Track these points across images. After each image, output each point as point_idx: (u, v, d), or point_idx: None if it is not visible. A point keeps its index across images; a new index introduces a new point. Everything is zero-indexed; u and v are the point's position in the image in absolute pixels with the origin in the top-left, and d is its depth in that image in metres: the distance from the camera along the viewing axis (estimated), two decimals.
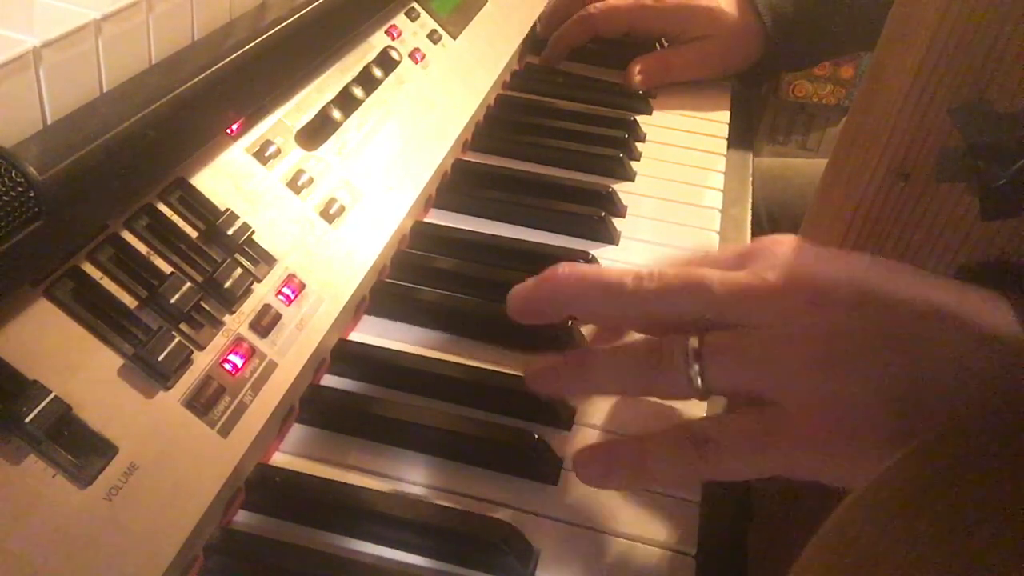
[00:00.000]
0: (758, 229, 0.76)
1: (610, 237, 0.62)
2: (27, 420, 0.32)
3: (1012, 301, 0.36)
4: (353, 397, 0.47)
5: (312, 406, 0.45)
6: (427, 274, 0.56)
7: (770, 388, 0.37)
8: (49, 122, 0.36)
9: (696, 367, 0.38)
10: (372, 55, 0.61)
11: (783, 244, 0.41)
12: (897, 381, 0.35)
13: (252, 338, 0.42)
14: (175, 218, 0.42)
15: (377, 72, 0.60)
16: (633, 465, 0.39)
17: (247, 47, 0.45)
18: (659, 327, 0.41)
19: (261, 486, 0.41)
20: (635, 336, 0.45)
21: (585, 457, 0.41)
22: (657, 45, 0.87)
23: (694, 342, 0.38)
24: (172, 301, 0.39)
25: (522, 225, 0.62)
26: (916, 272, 0.39)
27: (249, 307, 0.43)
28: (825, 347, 0.37)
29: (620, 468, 0.40)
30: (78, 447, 0.33)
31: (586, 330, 0.52)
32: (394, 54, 0.63)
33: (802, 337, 0.37)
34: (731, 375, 0.38)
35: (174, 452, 0.37)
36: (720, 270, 0.40)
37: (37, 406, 0.32)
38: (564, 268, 0.43)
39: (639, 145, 0.75)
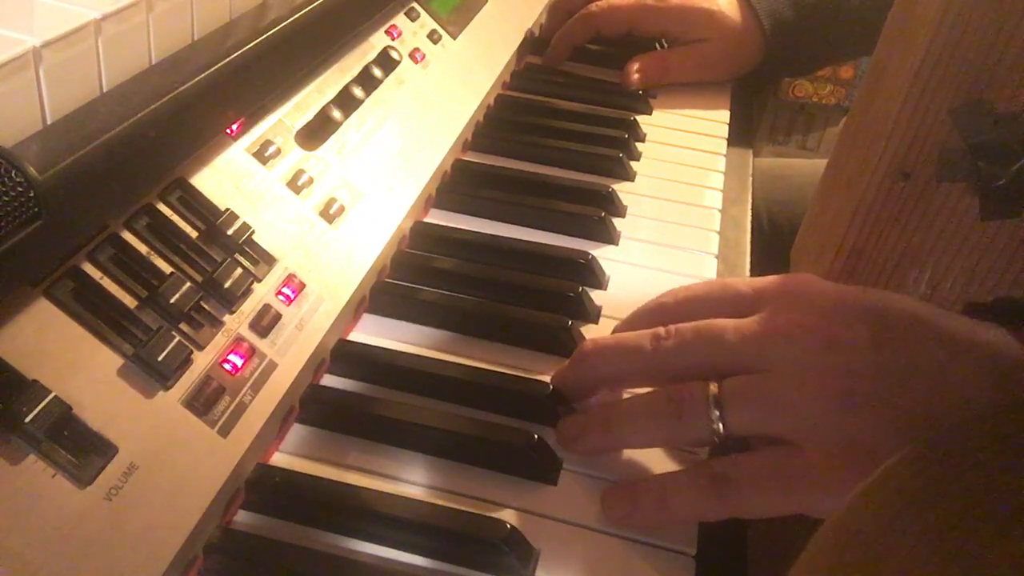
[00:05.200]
0: (758, 229, 0.76)
1: (610, 237, 0.62)
2: (27, 420, 0.32)
3: (1018, 336, 0.37)
4: (353, 397, 0.47)
5: (312, 406, 0.45)
6: (427, 274, 0.56)
7: (788, 430, 0.38)
8: (49, 122, 0.35)
9: (717, 412, 0.39)
10: (372, 55, 0.61)
11: (797, 284, 0.41)
12: (910, 411, 0.36)
13: (252, 338, 0.42)
14: (175, 218, 0.42)
15: (377, 72, 0.60)
16: (656, 505, 0.40)
17: (247, 47, 0.45)
18: (680, 380, 0.42)
19: (261, 486, 0.41)
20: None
21: (610, 498, 0.42)
22: (657, 46, 0.87)
23: (714, 388, 0.39)
24: (172, 301, 0.39)
25: (522, 225, 0.62)
26: (927, 306, 0.39)
27: (249, 307, 0.43)
28: (840, 388, 0.37)
29: (643, 507, 0.41)
30: (78, 447, 0.33)
31: (588, 331, 0.52)
32: (394, 54, 0.63)
33: (817, 380, 0.38)
34: (750, 419, 0.39)
35: (174, 452, 0.37)
36: (733, 318, 0.41)
37: (37, 406, 0.32)
38: (588, 347, 0.45)
39: (639, 145, 0.75)
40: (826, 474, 0.37)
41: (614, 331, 0.48)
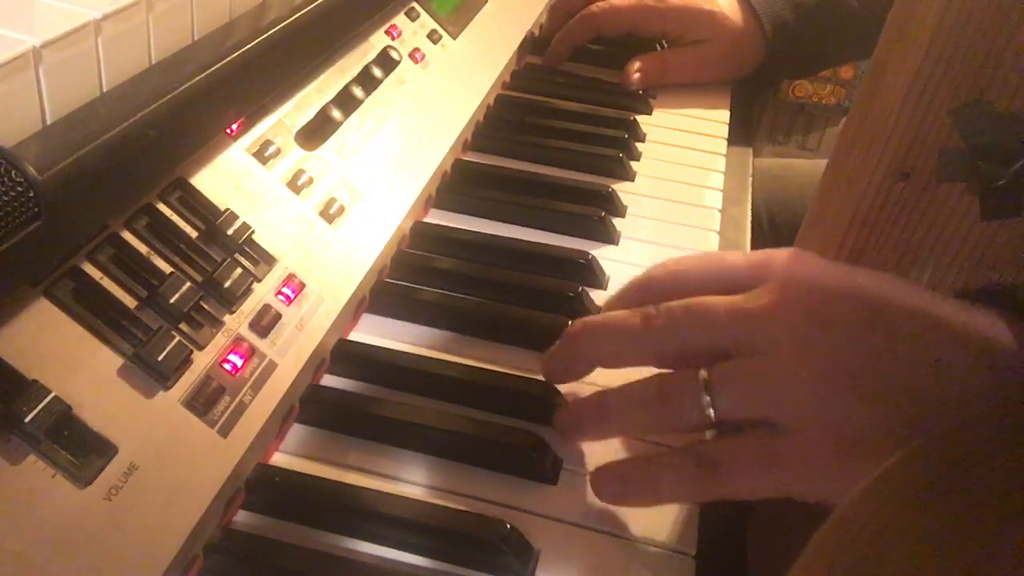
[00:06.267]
0: (758, 229, 0.76)
1: (610, 237, 0.62)
2: (27, 420, 0.32)
3: (1007, 321, 0.37)
4: (353, 397, 0.47)
5: (312, 406, 0.45)
6: (427, 274, 0.56)
7: (778, 414, 0.38)
8: (49, 122, 0.36)
9: (707, 398, 0.39)
10: (372, 55, 0.61)
11: (791, 261, 0.41)
12: (899, 397, 0.36)
13: (252, 338, 0.42)
14: (175, 218, 0.42)
15: (377, 72, 0.60)
16: (645, 484, 0.40)
17: (247, 47, 0.45)
18: (672, 360, 0.42)
19: (261, 486, 0.41)
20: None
21: (600, 476, 0.42)
22: (657, 47, 0.87)
23: (704, 373, 0.39)
24: (172, 301, 0.39)
25: (522, 225, 0.62)
26: (915, 288, 0.39)
27: (249, 307, 0.43)
28: (825, 368, 0.37)
29: (633, 487, 0.41)
30: (78, 447, 0.33)
31: None
32: (394, 54, 0.63)
33: (803, 359, 0.37)
34: (741, 403, 0.39)
35: (174, 452, 0.37)
36: (723, 296, 0.41)
37: (37, 406, 0.32)
38: (577, 327, 0.44)
39: (639, 145, 0.75)
40: (814, 458, 0.37)
41: (604, 307, 0.48)
